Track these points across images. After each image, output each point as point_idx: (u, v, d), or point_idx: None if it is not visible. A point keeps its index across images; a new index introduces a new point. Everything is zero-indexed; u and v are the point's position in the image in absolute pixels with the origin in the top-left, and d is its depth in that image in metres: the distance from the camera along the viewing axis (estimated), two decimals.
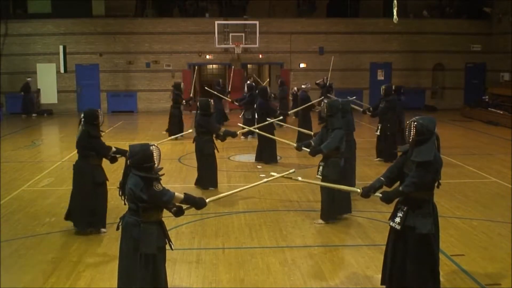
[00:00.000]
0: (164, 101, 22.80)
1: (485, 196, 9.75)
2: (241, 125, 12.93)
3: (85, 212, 7.53)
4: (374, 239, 7.38)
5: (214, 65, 28.82)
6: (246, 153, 13.96)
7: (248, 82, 17.94)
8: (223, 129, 10.32)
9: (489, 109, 21.00)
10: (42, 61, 23.55)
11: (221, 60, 24.68)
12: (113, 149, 7.60)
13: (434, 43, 24.48)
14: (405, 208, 5.26)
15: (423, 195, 5.22)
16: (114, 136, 16.38)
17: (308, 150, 8.12)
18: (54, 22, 23.45)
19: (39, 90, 23.56)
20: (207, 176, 10.15)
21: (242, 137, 15.61)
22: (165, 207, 5.06)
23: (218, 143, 10.33)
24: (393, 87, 13.27)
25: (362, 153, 11.96)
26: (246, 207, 9.04)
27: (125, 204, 5.09)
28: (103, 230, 7.63)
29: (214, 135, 10.14)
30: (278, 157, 12.81)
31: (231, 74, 21.03)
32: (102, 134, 7.72)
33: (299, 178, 6.30)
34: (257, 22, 22.53)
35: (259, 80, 21.36)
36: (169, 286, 5.27)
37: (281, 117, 12.60)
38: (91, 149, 7.52)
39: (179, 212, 5.14)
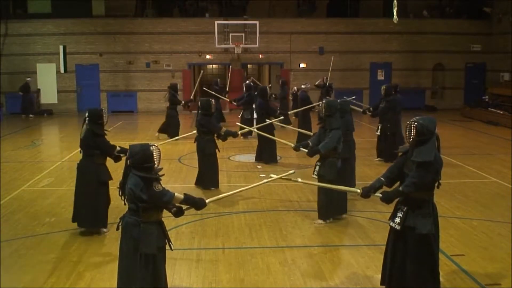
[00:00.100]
0: (164, 101, 22.73)
1: (485, 196, 9.75)
2: (239, 124, 12.94)
3: (90, 211, 7.53)
4: (374, 239, 7.38)
5: (214, 65, 28.82)
6: (246, 153, 13.96)
7: (247, 81, 17.92)
8: (224, 129, 10.33)
9: (489, 109, 21.00)
10: (42, 61, 23.55)
11: (221, 60, 24.66)
12: (117, 148, 7.63)
13: (434, 43, 24.48)
14: (405, 208, 5.27)
15: (423, 195, 5.22)
16: (114, 136, 16.24)
17: (306, 150, 8.12)
18: (54, 22, 23.45)
19: (39, 90, 23.58)
20: (208, 176, 10.14)
21: (241, 137, 15.59)
22: (165, 208, 5.06)
23: (218, 143, 10.34)
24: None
25: (362, 153, 11.96)
26: (246, 207, 9.04)
27: (125, 204, 5.09)
28: (104, 230, 7.63)
29: (215, 135, 10.14)
30: (278, 157, 12.82)
31: (230, 74, 21.01)
32: (106, 133, 7.74)
33: (299, 179, 6.27)
34: (257, 22, 22.52)
35: (258, 82, 21.31)
36: (169, 286, 5.28)
37: (281, 117, 12.59)
38: (95, 148, 7.54)
39: (179, 213, 5.14)
